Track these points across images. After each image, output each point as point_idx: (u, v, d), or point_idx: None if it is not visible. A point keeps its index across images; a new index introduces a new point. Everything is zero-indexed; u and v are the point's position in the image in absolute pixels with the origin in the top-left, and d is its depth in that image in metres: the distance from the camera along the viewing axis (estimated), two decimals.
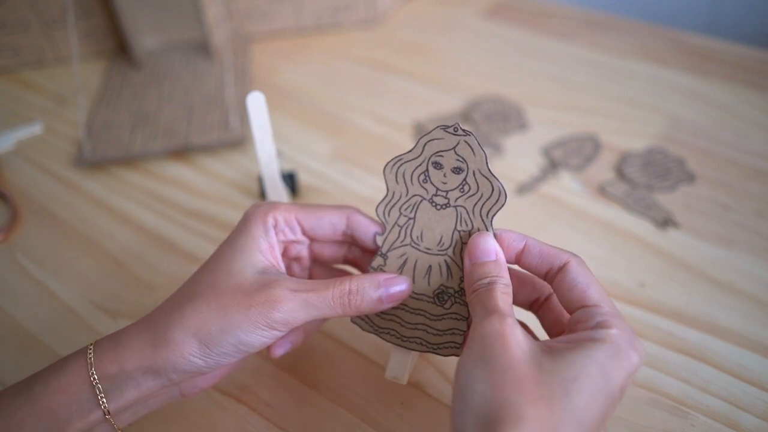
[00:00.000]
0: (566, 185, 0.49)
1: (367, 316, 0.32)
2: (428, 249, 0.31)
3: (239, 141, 0.53)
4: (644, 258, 0.43)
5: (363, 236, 0.32)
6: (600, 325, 0.26)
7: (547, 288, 0.32)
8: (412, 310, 0.31)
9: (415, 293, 0.31)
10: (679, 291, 0.40)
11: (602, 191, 0.48)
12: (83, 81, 0.61)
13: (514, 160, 0.51)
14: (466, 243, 0.30)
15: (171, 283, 0.41)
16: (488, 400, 0.23)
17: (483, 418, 0.23)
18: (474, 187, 0.30)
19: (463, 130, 0.30)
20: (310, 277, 0.35)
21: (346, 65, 0.64)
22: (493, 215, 0.30)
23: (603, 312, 0.26)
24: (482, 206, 0.30)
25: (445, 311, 0.31)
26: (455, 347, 0.31)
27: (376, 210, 0.32)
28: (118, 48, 0.65)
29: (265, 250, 0.30)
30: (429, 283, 0.31)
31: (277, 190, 0.45)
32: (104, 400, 0.27)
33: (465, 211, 0.30)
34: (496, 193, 0.30)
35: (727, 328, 0.38)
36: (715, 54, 0.62)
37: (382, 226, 0.32)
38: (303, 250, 0.34)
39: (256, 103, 0.40)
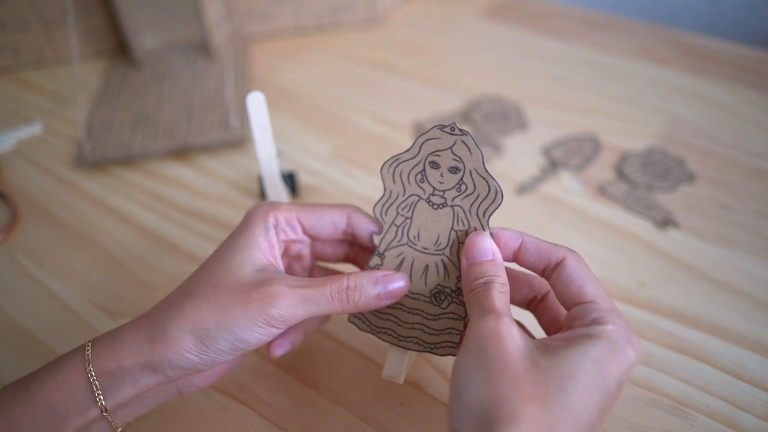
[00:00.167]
0: (566, 185, 0.49)
1: (364, 315, 0.32)
2: (425, 248, 0.31)
3: (239, 141, 0.53)
4: (644, 258, 0.43)
5: (363, 235, 0.32)
6: (596, 321, 0.26)
7: (544, 286, 0.32)
8: (409, 309, 0.31)
9: (412, 293, 0.31)
10: (679, 291, 0.40)
11: (602, 191, 0.48)
12: (83, 81, 0.61)
13: (514, 160, 0.51)
14: (462, 243, 0.30)
15: (171, 282, 0.41)
16: (484, 400, 0.23)
17: (479, 418, 0.23)
18: (471, 187, 0.30)
19: (460, 130, 0.30)
20: (311, 276, 0.35)
21: (346, 65, 0.64)
22: (490, 215, 0.30)
23: (599, 308, 0.26)
24: (479, 206, 0.30)
25: (442, 311, 0.31)
26: (452, 347, 0.31)
27: (373, 209, 0.32)
28: (118, 48, 0.65)
29: (264, 248, 0.30)
30: (426, 283, 0.31)
31: (277, 190, 0.45)
32: (101, 397, 0.27)
33: (462, 210, 0.30)
34: (492, 192, 0.30)
35: (727, 328, 0.38)
36: (715, 54, 0.62)
37: (379, 225, 0.32)
38: (304, 249, 0.34)
39: (256, 103, 0.40)
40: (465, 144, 0.30)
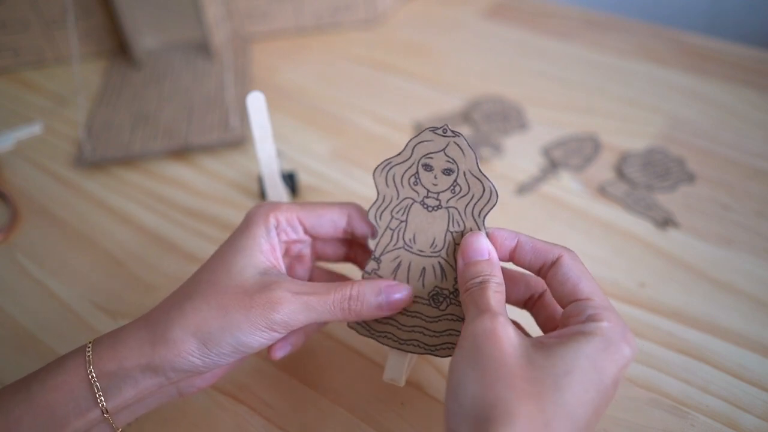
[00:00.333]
0: (566, 185, 0.49)
1: (364, 320, 0.32)
2: (421, 251, 0.31)
3: (239, 141, 0.53)
4: (644, 258, 0.43)
5: (362, 235, 0.33)
6: (591, 319, 0.26)
7: (540, 285, 0.32)
8: (408, 312, 0.31)
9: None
10: (679, 291, 0.40)
11: (602, 191, 0.48)
12: (83, 81, 0.61)
13: (514, 160, 0.51)
14: (458, 244, 0.30)
15: (171, 283, 0.41)
16: (480, 399, 0.23)
17: (475, 417, 0.23)
18: (465, 188, 0.30)
19: (452, 132, 0.30)
20: (311, 277, 0.35)
21: (346, 65, 0.64)
22: (485, 215, 0.30)
23: (594, 305, 0.26)
24: (474, 206, 0.30)
25: (441, 313, 0.31)
26: (452, 348, 0.31)
27: (368, 214, 0.32)
28: (118, 48, 0.65)
29: (266, 250, 0.30)
30: (424, 285, 0.31)
31: (277, 190, 0.45)
32: (102, 398, 0.27)
33: (457, 212, 0.30)
34: (487, 193, 0.30)
35: (727, 328, 0.38)
36: (715, 54, 0.62)
37: (375, 229, 0.32)
38: (305, 249, 0.34)
39: (256, 103, 0.40)
40: (458, 145, 0.30)
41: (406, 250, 0.31)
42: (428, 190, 0.31)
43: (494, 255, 0.29)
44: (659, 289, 0.41)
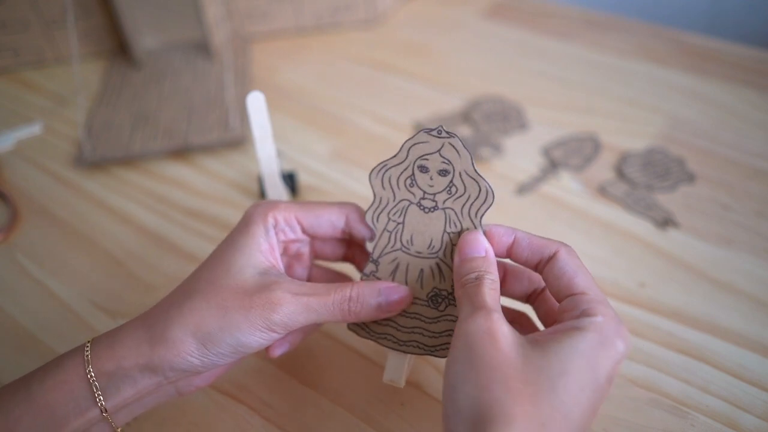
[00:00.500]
0: (566, 185, 0.49)
1: (363, 322, 0.32)
2: (419, 252, 0.31)
3: (239, 141, 0.53)
4: (644, 258, 0.43)
5: (361, 236, 0.33)
6: (585, 313, 0.26)
7: (542, 280, 0.32)
8: (407, 314, 0.31)
9: None
10: (679, 291, 0.40)
11: (602, 191, 0.48)
12: (83, 81, 0.61)
13: (514, 160, 0.51)
14: (456, 244, 0.30)
15: (171, 283, 0.41)
16: (477, 400, 0.23)
17: (473, 419, 0.23)
18: (461, 189, 0.30)
19: (447, 133, 0.30)
20: (310, 275, 0.35)
21: (346, 65, 0.64)
22: (482, 215, 0.30)
23: (588, 299, 0.26)
24: (470, 207, 0.30)
25: (440, 313, 0.31)
26: None
27: (365, 216, 0.32)
28: (118, 48, 0.65)
29: (265, 250, 0.30)
30: (422, 287, 0.31)
31: (277, 190, 0.45)
32: (101, 397, 0.27)
33: (453, 212, 0.30)
34: (483, 193, 0.30)
35: (727, 328, 0.38)
36: (715, 54, 0.62)
37: (372, 232, 0.32)
38: (303, 248, 0.34)
39: (256, 103, 0.40)
40: (453, 146, 0.30)
41: (403, 251, 0.31)
42: (424, 192, 0.31)
43: (491, 253, 0.29)
44: (659, 289, 0.41)
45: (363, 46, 0.66)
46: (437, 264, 0.31)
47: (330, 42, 0.67)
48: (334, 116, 0.57)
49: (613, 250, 0.43)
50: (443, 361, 0.36)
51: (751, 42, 0.63)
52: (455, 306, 0.31)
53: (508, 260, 0.31)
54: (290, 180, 0.48)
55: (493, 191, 0.30)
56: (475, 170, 0.30)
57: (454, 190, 0.30)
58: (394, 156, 0.31)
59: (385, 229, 0.32)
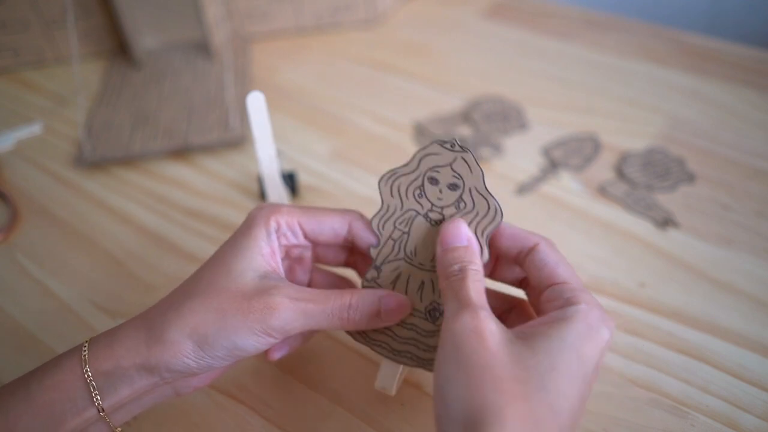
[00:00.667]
0: (566, 185, 0.49)
1: None
2: (421, 264, 0.31)
3: (239, 141, 0.53)
4: (644, 258, 0.43)
5: (363, 245, 0.32)
6: (568, 302, 0.26)
7: None
8: (404, 324, 0.31)
9: None
10: (679, 291, 0.40)
11: (602, 191, 0.48)
12: (83, 81, 0.61)
13: (514, 160, 0.51)
14: None
15: (171, 283, 0.41)
16: (468, 402, 0.23)
17: (465, 420, 0.23)
18: (470, 205, 0.30)
19: (460, 146, 0.29)
20: (312, 279, 0.35)
21: (346, 65, 0.64)
22: (488, 234, 0.30)
23: (571, 288, 0.27)
24: (477, 224, 0.30)
25: (436, 328, 0.31)
26: None
27: (371, 222, 0.32)
28: (118, 48, 0.65)
29: (266, 254, 0.30)
30: (421, 299, 0.31)
31: (277, 190, 0.45)
32: (98, 397, 0.27)
33: None
34: (492, 211, 0.29)
35: (727, 328, 0.38)
36: (715, 54, 0.62)
37: (377, 238, 0.32)
38: (305, 253, 0.34)
39: (256, 103, 0.40)
40: (465, 161, 0.29)
41: (406, 262, 0.31)
42: (432, 204, 0.30)
43: (473, 242, 0.29)
44: (659, 289, 0.41)
45: (363, 46, 0.66)
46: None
47: (330, 42, 0.67)
48: (334, 116, 0.57)
49: (613, 250, 0.43)
50: None
51: (751, 42, 0.63)
52: None
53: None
54: (290, 180, 0.48)
55: (501, 211, 0.29)
56: (486, 188, 0.29)
57: (462, 205, 0.30)
58: (405, 165, 0.31)
59: (390, 237, 0.31)
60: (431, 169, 0.30)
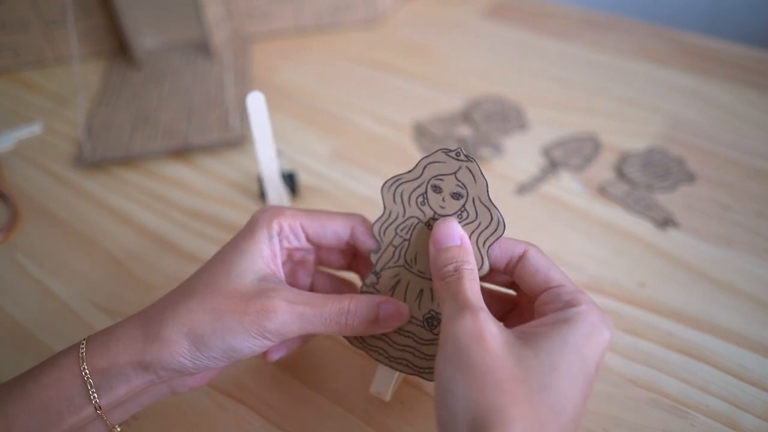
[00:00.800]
0: (566, 185, 0.49)
1: None
2: (421, 272, 0.31)
3: (239, 141, 0.53)
4: (644, 258, 0.43)
5: (365, 250, 0.32)
6: (569, 304, 0.26)
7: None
8: (401, 331, 0.31)
9: None
10: (679, 291, 0.40)
11: (602, 191, 0.48)
12: (83, 81, 0.61)
13: (514, 160, 0.51)
14: None
15: (171, 283, 0.41)
16: (472, 405, 0.23)
17: (469, 424, 0.23)
18: (473, 215, 0.30)
19: (466, 156, 0.29)
20: (314, 282, 0.35)
21: (346, 65, 0.64)
22: (490, 245, 0.29)
23: (569, 291, 0.27)
24: (479, 235, 0.30)
25: (434, 336, 0.31)
26: None
27: (372, 227, 0.32)
28: (118, 48, 0.65)
29: (267, 256, 0.30)
30: (420, 307, 0.31)
31: (277, 190, 0.45)
32: (95, 395, 0.27)
33: None
34: (495, 222, 0.29)
35: (727, 328, 0.38)
36: (715, 54, 0.62)
37: (378, 244, 0.32)
38: (308, 256, 0.34)
39: (256, 103, 0.40)
40: (470, 171, 0.29)
41: (406, 269, 0.31)
42: (435, 212, 0.30)
43: (466, 240, 0.29)
44: (659, 289, 0.41)
45: (363, 46, 0.66)
46: None
47: (330, 42, 0.67)
48: (334, 116, 0.57)
49: (613, 250, 0.43)
50: None
51: (751, 42, 0.63)
52: None
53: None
54: (290, 180, 0.48)
55: (504, 223, 0.29)
56: (489, 199, 0.29)
57: (465, 215, 0.30)
58: (409, 171, 0.30)
59: (391, 243, 0.31)
60: (435, 177, 0.30)
